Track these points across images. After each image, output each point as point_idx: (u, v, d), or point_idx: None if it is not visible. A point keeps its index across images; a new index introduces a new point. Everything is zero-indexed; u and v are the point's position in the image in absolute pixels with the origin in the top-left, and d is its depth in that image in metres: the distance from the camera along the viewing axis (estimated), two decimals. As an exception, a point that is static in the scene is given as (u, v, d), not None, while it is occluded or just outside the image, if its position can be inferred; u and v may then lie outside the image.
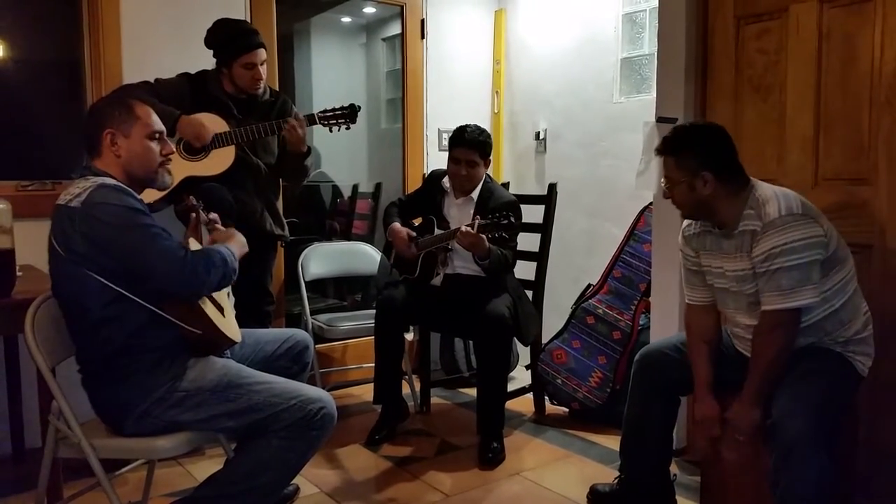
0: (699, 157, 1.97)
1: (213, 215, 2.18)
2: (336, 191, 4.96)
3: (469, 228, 2.72)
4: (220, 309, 1.96)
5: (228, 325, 1.96)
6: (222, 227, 2.18)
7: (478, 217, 2.77)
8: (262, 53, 2.76)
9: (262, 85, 2.80)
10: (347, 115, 2.78)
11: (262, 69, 2.77)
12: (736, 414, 1.94)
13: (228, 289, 2.09)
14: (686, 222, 2.17)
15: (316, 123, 2.80)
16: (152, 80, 2.75)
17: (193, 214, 2.13)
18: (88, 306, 1.79)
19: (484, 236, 2.72)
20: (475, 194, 3.05)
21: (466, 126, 3.01)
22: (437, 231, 3.04)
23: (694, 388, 2.10)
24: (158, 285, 1.79)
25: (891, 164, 2.20)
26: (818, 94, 2.36)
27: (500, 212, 2.72)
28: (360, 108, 2.79)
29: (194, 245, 1.99)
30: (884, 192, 2.22)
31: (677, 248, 2.22)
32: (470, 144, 2.96)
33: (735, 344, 2.15)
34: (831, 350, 1.95)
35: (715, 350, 2.13)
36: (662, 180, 2.07)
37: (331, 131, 2.80)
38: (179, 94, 2.73)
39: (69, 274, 1.79)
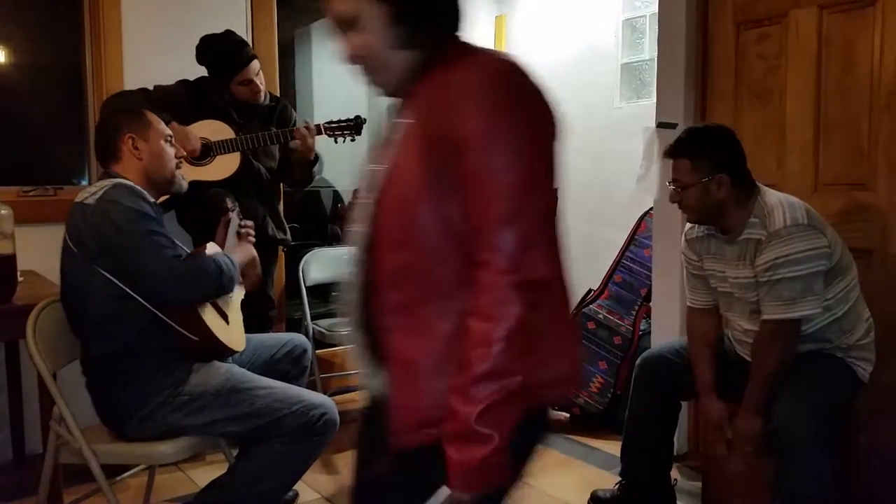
0: (715, 160, 1.95)
1: (248, 221, 2.23)
2: (337, 196, 4.96)
3: None
4: (225, 316, 1.95)
5: (231, 333, 1.95)
6: (253, 234, 2.21)
7: None
8: (256, 65, 2.76)
9: (262, 95, 2.81)
10: (353, 127, 2.79)
11: (259, 79, 2.78)
12: (741, 426, 1.93)
13: (239, 297, 2.11)
14: (689, 226, 2.16)
15: (321, 134, 2.80)
16: (150, 88, 2.75)
17: (224, 218, 2.18)
18: (94, 302, 1.81)
19: None
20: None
21: None
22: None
23: (698, 394, 2.10)
24: (149, 290, 1.80)
25: (891, 168, 2.20)
26: (818, 99, 2.36)
27: None
28: (365, 120, 2.79)
29: (212, 250, 2.01)
30: (884, 196, 2.22)
31: (678, 253, 2.22)
32: None
33: (736, 348, 2.15)
34: (833, 356, 1.95)
35: (716, 354, 2.13)
36: (669, 184, 2.03)
37: (336, 142, 2.81)
38: (175, 101, 2.73)
39: (78, 269, 1.82)
